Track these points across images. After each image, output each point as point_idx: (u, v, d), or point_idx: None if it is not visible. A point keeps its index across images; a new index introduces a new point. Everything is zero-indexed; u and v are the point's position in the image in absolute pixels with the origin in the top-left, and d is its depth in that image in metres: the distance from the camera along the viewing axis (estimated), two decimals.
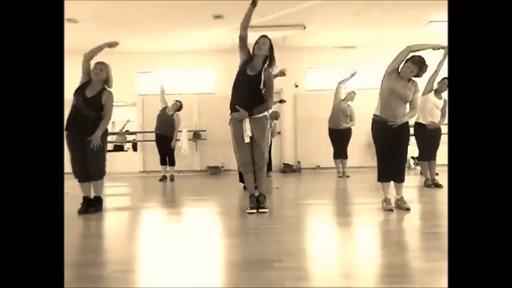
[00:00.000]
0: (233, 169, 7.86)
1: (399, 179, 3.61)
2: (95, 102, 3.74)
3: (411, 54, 3.51)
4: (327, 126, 6.70)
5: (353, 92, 6.66)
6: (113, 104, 3.89)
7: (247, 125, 3.51)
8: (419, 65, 3.47)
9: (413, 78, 3.57)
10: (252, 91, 3.52)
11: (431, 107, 4.97)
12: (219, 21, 6.54)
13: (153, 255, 2.43)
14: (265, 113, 3.63)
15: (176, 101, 6.90)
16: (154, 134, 6.97)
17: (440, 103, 5.00)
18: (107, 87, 3.88)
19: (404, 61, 3.53)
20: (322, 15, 6.45)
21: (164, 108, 6.83)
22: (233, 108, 3.56)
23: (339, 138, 6.57)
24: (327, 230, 3.10)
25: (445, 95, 5.06)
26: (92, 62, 3.87)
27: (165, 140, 6.80)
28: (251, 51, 3.60)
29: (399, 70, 3.54)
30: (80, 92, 3.75)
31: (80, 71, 3.86)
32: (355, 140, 6.80)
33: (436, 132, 5.01)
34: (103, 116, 3.82)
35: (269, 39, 3.59)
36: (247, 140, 3.53)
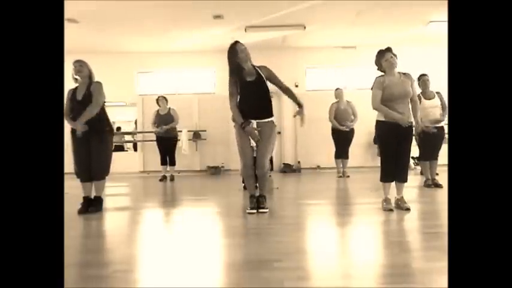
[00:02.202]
0: (233, 169, 7.87)
1: (402, 178, 3.60)
2: (90, 99, 3.75)
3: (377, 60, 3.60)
4: (329, 126, 6.69)
5: (338, 88, 6.66)
6: (102, 92, 3.83)
7: (255, 130, 3.49)
8: (385, 51, 3.51)
9: (403, 72, 3.56)
10: (259, 96, 3.52)
11: (430, 111, 4.93)
12: (219, 21, 6.54)
13: (153, 255, 2.43)
14: (273, 118, 3.63)
15: (158, 97, 6.83)
16: (154, 134, 6.95)
17: (435, 101, 4.95)
18: (94, 81, 3.87)
19: (378, 61, 3.57)
20: (322, 15, 6.45)
21: (157, 111, 6.82)
22: (243, 115, 3.52)
23: (342, 138, 6.57)
24: (327, 230, 3.10)
25: (441, 88, 5.02)
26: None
27: (165, 140, 6.79)
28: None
29: (383, 70, 3.55)
30: (73, 97, 3.77)
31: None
32: (355, 140, 6.81)
33: (439, 131, 4.97)
34: (103, 110, 3.85)
35: (241, 43, 3.55)
36: (255, 139, 3.52)
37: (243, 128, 3.50)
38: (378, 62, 3.58)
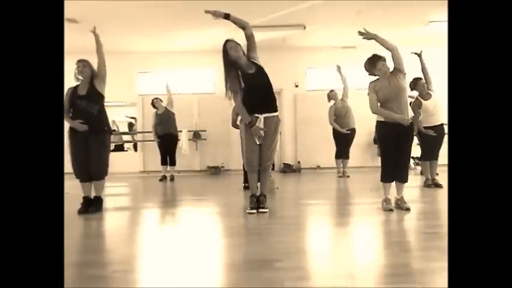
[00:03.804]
0: (233, 169, 7.87)
1: (403, 178, 3.60)
2: (94, 95, 3.76)
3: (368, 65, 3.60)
4: (329, 126, 6.68)
5: (332, 90, 6.68)
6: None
7: (261, 126, 3.50)
8: (377, 60, 3.52)
9: (390, 71, 3.56)
10: (263, 88, 3.53)
11: (432, 109, 4.95)
12: (219, 21, 6.52)
13: (153, 255, 2.43)
14: (278, 113, 3.64)
15: (153, 100, 6.87)
16: (154, 134, 6.93)
17: (434, 99, 4.96)
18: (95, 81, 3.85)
19: (369, 70, 3.58)
20: (322, 15, 6.45)
21: (155, 112, 6.84)
22: (249, 110, 3.52)
23: (343, 138, 6.57)
24: (327, 230, 3.10)
25: (439, 91, 5.06)
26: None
27: (166, 140, 6.80)
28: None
29: (375, 74, 3.57)
30: (74, 94, 3.76)
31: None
32: (355, 140, 6.80)
33: (438, 130, 4.98)
34: (104, 109, 3.87)
35: (235, 41, 3.59)
36: (259, 141, 3.53)
37: (250, 127, 3.50)
38: (370, 71, 3.60)
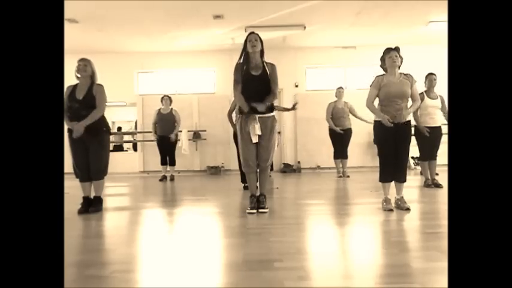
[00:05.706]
0: (233, 169, 7.87)
1: (401, 179, 3.60)
2: (90, 101, 3.73)
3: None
4: (327, 126, 6.70)
5: (340, 87, 6.68)
6: (105, 96, 3.84)
7: (256, 124, 3.50)
8: (393, 49, 3.52)
9: (404, 73, 3.57)
10: (262, 91, 3.51)
11: (430, 110, 4.96)
12: (219, 21, 6.54)
13: (153, 255, 2.43)
14: (274, 113, 3.63)
15: (163, 96, 6.88)
16: (153, 131, 6.92)
17: (437, 102, 4.99)
18: (95, 82, 3.84)
19: (382, 58, 3.58)
20: (322, 15, 6.45)
21: (158, 110, 6.84)
22: (242, 110, 3.53)
23: (339, 138, 6.58)
24: (327, 230, 3.10)
25: (439, 91, 5.08)
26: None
27: (165, 139, 6.80)
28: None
29: (385, 68, 3.57)
30: (72, 96, 3.72)
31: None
32: (355, 140, 6.81)
33: (436, 132, 4.99)
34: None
35: (257, 35, 3.57)
36: (255, 139, 3.51)
37: (247, 116, 3.49)
38: (382, 58, 3.59)
